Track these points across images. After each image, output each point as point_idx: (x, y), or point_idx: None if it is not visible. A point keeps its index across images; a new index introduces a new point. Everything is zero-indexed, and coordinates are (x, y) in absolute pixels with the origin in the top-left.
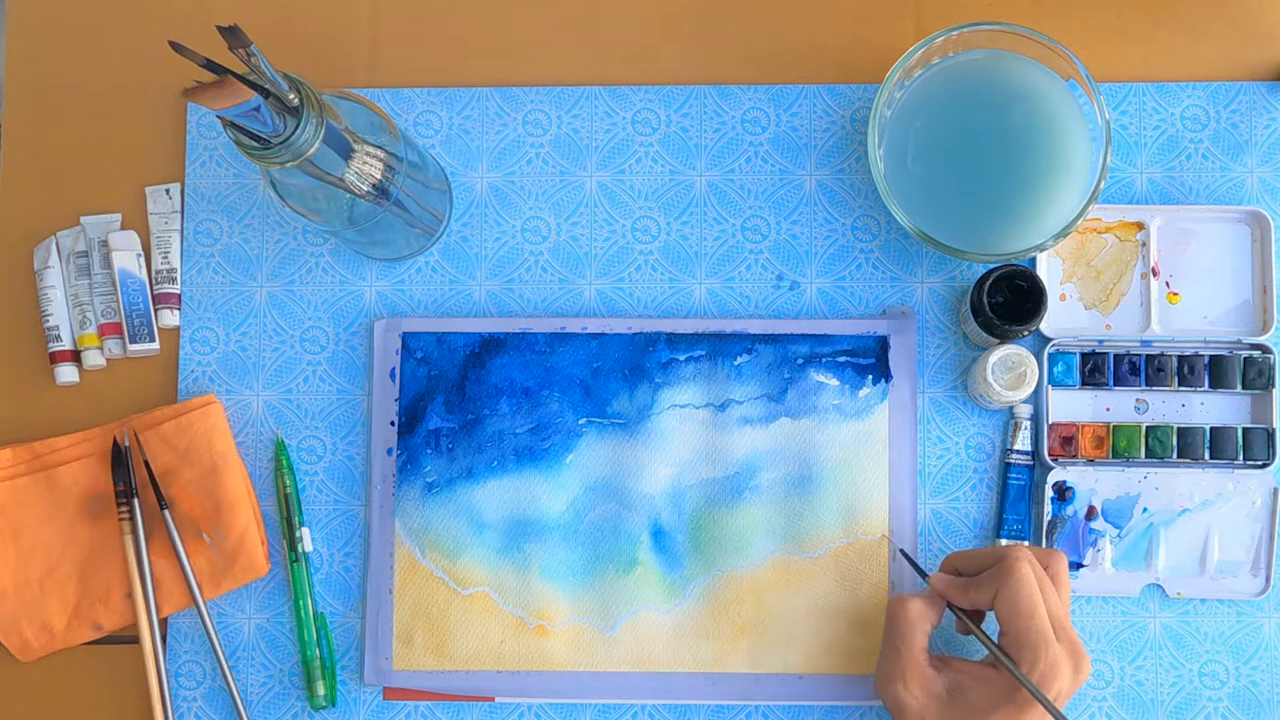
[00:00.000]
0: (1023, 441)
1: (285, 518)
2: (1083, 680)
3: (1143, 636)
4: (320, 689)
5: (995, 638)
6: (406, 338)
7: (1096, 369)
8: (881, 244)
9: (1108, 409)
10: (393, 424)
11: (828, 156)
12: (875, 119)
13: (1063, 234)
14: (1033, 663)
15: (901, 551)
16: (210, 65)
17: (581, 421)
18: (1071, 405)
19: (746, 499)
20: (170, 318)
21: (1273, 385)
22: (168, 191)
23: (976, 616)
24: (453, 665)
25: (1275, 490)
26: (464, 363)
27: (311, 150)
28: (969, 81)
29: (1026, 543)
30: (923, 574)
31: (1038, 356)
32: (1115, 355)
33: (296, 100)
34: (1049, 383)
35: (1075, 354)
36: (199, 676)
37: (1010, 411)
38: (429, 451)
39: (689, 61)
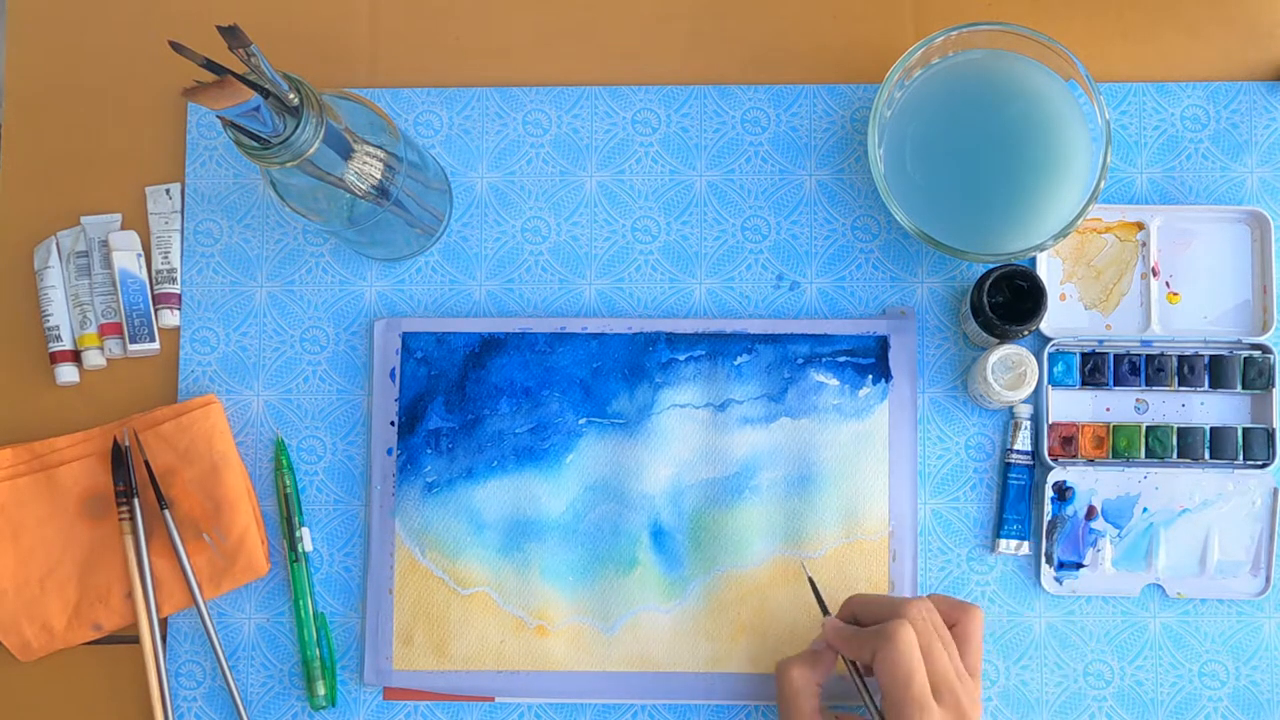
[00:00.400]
0: (1023, 441)
1: (285, 518)
2: None
3: (1143, 636)
4: (320, 689)
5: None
6: (406, 338)
7: (1096, 369)
8: (881, 244)
9: (1108, 409)
10: (393, 424)
11: (828, 156)
12: (875, 119)
13: (1063, 234)
14: None
15: (810, 580)
16: (210, 65)
17: (581, 421)
18: (1071, 405)
19: (746, 499)
20: (170, 318)
21: (1273, 385)
22: (168, 191)
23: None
24: (453, 665)
25: (1275, 490)
26: (464, 363)
27: (311, 150)
28: (969, 81)
29: (938, 595)
30: (825, 610)
31: (1038, 356)
32: (1115, 355)
33: (296, 100)
34: (1049, 383)
35: (1075, 354)
36: (199, 676)
37: (1010, 411)
38: (429, 451)
39: (689, 61)
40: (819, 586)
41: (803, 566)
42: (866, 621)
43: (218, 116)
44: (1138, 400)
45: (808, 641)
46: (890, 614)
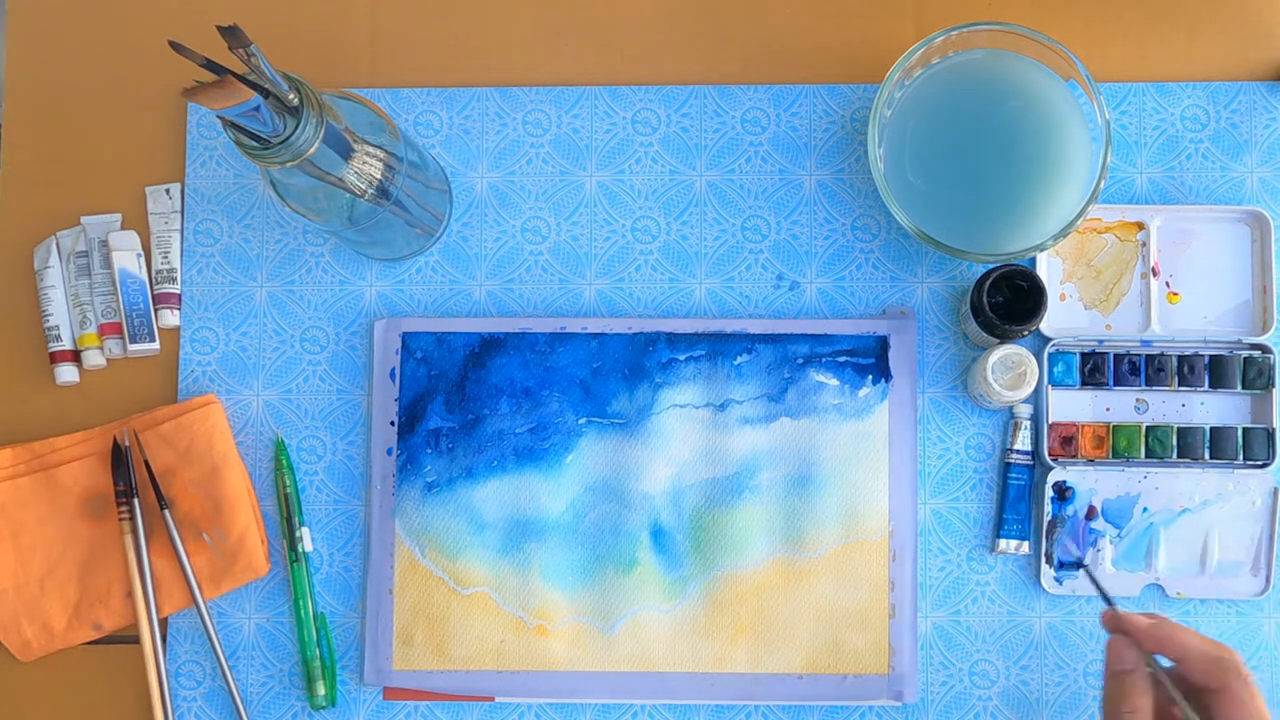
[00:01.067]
0: (1023, 441)
1: (285, 518)
2: None
3: None
4: (320, 689)
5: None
6: (406, 338)
7: (1096, 369)
8: (881, 244)
9: (1108, 409)
10: (393, 424)
11: (828, 156)
12: (875, 119)
13: (1063, 234)
14: None
15: (1087, 571)
16: (210, 65)
17: (581, 421)
18: (1071, 405)
19: (746, 499)
20: (170, 318)
21: (1273, 385)
22: (168, 191)
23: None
24: (453, 665)
25: (1275, 490)
26: (464, 363)
27: (311, 150)
28: (969, 81)
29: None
30: (1109, 600)
31: (1038, 356)
32: (1115, 355)
33: (296, 100)
34: (1049, 383)
35: (1075, 354)
36: (199, 676)
37: (1010, 411)
38: (429, 451)
39: (689, 61)
40: (1102, 586)
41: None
42: (1171, 653)
43: (218, 116)
44: (1138, 400)
45: (808, 641)
46: (1215, 656)
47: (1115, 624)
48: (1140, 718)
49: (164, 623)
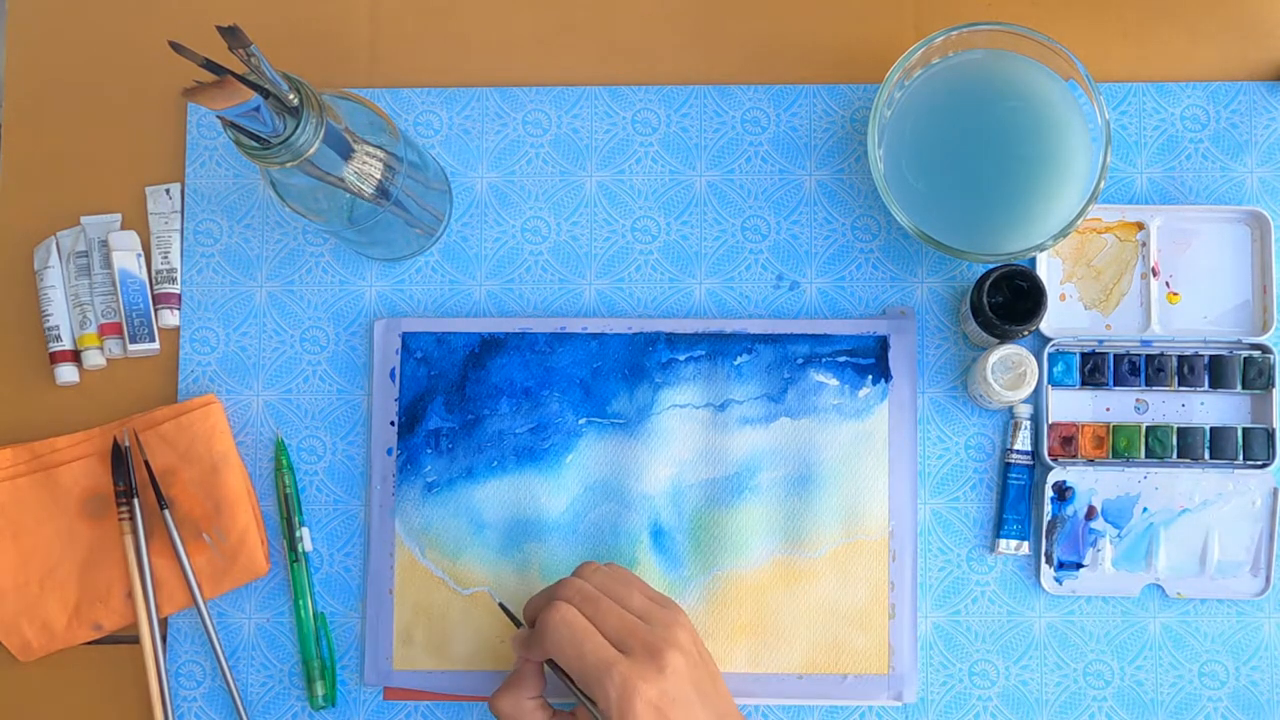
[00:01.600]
0: (1023, 441)
1: (285, 518)
2: (674, 671)
3: (1143, 637)
4: (320, 689)
5: None
6: (406, 338)
7: (1096, 369)
8: (881, 244)
9: (1108, 409)
10: (393, 424)
11: (828, 156)
12: (875, 119)
13: (1063, 234)
14: (605, 695)
15: (499, 603)
16: (210, 65)
17: (581, 421)
18: (1071, 405)
19: (746, 499)
20: (170, 318)
21: (1273, 385)
22: (168, 191)
23: None
24: (453, 665)
25: (1275, 490)
26: (464, 363)
27: (311, 150)
28: (969, 81)
29: (591, 562)
30: (517, 623)
31: (1038, 356)
32: (1115, 355)
33: (296, 100)
34: (1049, 383)
35: (1075, 354)
36: (199, 676)
37: (1010, 411)
38: (429, 451)
39: (689, 61)
40: (507, 606)
41: (491, 595)
42: (533, 619)
43: (218, 116)
44: (1138, 400)
45: (808, 641)
46: (546, 603)
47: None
48: (510, 713)
49: (164, 623)
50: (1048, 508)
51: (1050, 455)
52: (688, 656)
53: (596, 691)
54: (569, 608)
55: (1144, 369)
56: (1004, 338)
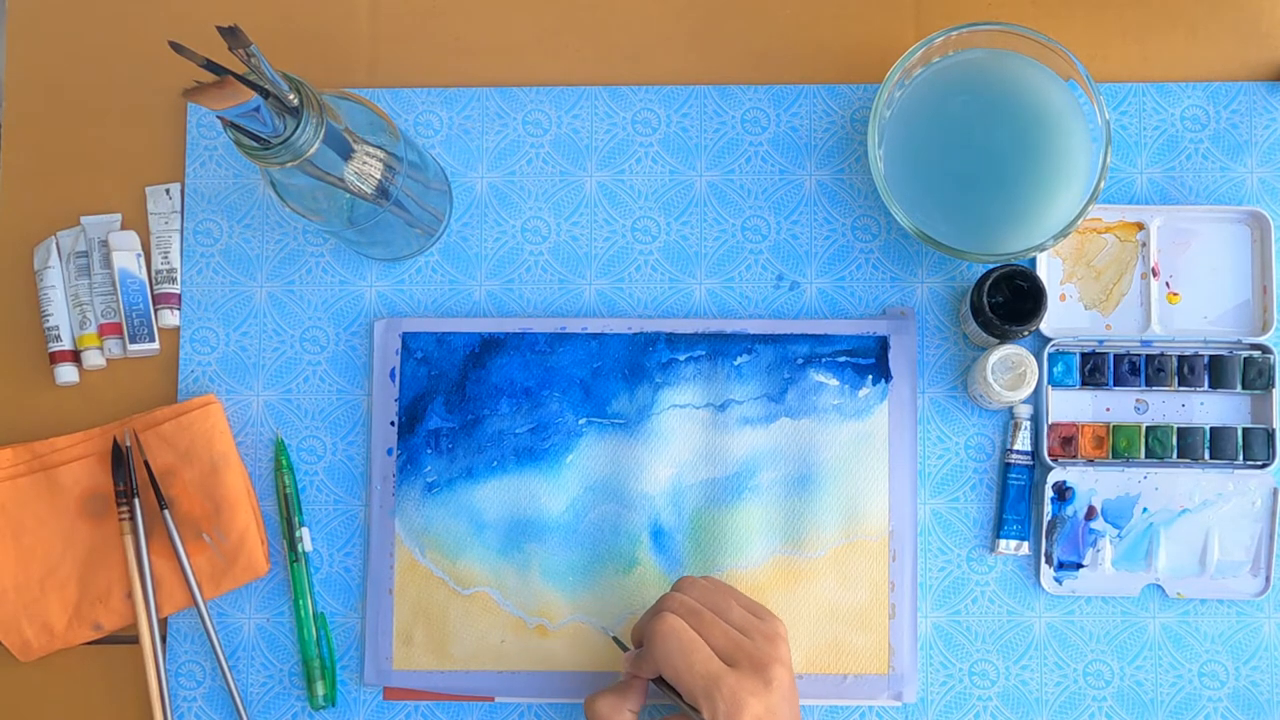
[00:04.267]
0: (1023, 441)
1: (285, 518)
2: (779, 686)
3: (1143, 636)
4: (320, 689)
5: None
6: (406, 338)
7: (1096, 369)
8: (881, 244)
9: (1108, 409)
10: (393, 424)
11: (828, 156)
12: (875, 119)
13: (1063, 234)
14: (713, 708)
15: (613, 637)
16: (210, 65)
17: (581, 421)
18: (1071, 405)
19: (746, 499)
20: (170, 318)
21: (1273, 385)
22: (168, 191)
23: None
24: (453, 665)
25: (1275, 490)
26: (464, 363)
27: (311, 150)
28: (969, 81)
29: (689, 576)
30: (624, 647)
31: (1038, 356)
32: (1115, 355)
33: (296, 100)
34: (1049, 383)
35: (1075, 354)
36: (199, 676)
37: (1010, 411)
38: (429, 451)
39: (689, 61)
40: (620, 638)
41: (604, 630)
42: (641, 637)
43: (218, 117)
44: (1138, 400)
45: (808, 641)
46: (652, 617)
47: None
48: (605, 712)
49: (164, 623)
50: (1048, 508)
51: (1050, 455)
52: (788, 670)
53: (704, 704)
54: (678, 620)
55: (1144, 369)
56: (1004, 338)
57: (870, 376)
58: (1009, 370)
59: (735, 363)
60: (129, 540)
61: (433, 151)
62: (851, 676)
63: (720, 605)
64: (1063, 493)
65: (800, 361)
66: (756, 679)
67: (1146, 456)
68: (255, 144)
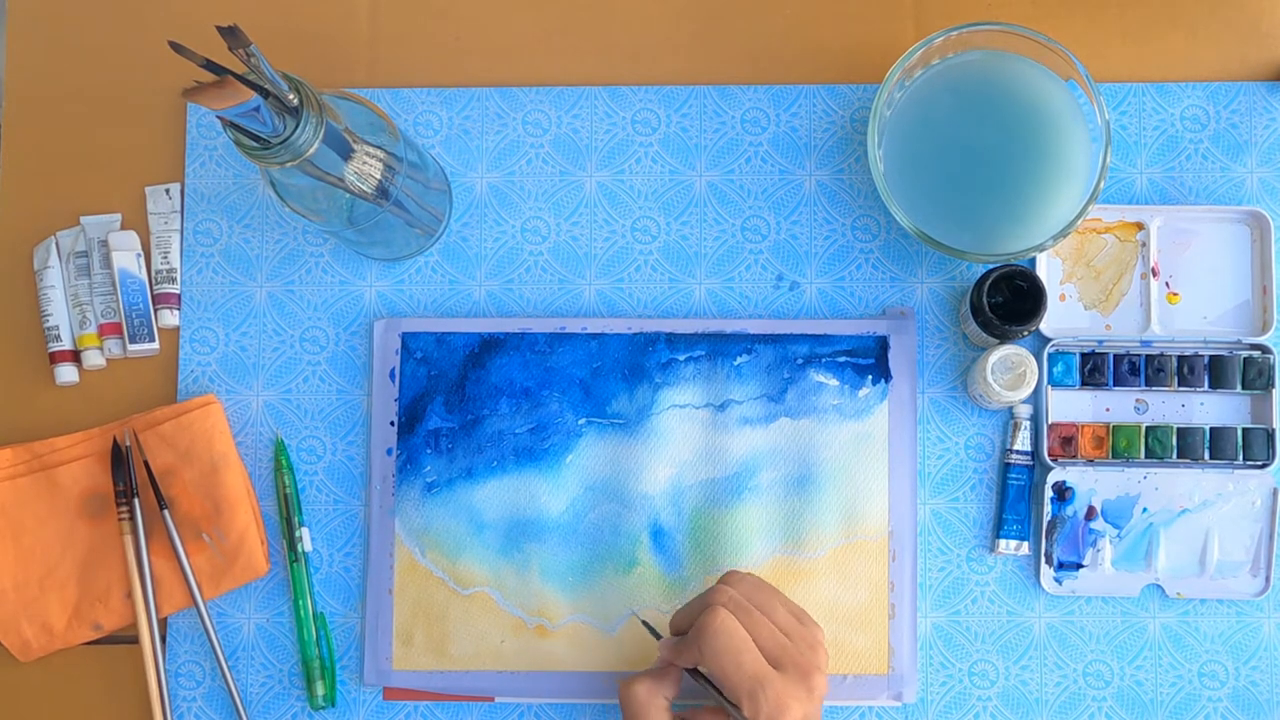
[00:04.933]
0: (1022, 441)
1: (285, 518)
2: (819, 695)
3: (1143, 636)
4: (320, 689)
5: None
6: (406, 338)
7: (1096, 369)
8: (881, 244)
9: (1107, 409)
10: (392, 424)
11: (828, 156)
12: (875, 119)
13: (1063, 234)
14: (755, 708)
15: (642, 621)
16: (210, 65)
17: (581, 421)
18: (1071, 405)
19: (746, 499)
20: (170, 318)
21: (1273, 385)
22: (168, 191)
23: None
24: (453, 665)
25: (1275, 490)
26: (464, 363)
27: (311, 150)
28: (969, 81)
29: (736, 570)
30: (657, 636)
31: (1038, 356)
32: (1115, 355)
33: (296, 100)
34: (1049, 383)
35: (1075, 354)
36: (199, 676)
37: (1010, 411)
38: (429, 451)
39: (689, 61)
40: (649, 622)
41: (634, 614)
42: (686, 628)
43: (218, 116)
44: (1137, 400)
45: None
46: (701, 609)
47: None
48: (643, 697)
49: (164, 623)
50: (1048, 508)
51: (1050, 455)
52: (825, 679)
53: (746, 703)
54: (730, 617)
55: (1144, 369)
56: (1004, 338)
57: (870, 376)
58: (1009, 370)
59: (735, 363)
60: (129, 540)
61: (433, 151)
62: (851, 676)
63: (767, 604)
64: (1063, 493)
65: (800, 361)
66: (800, 685)
67: (1146, 456)
68: (255, 144)
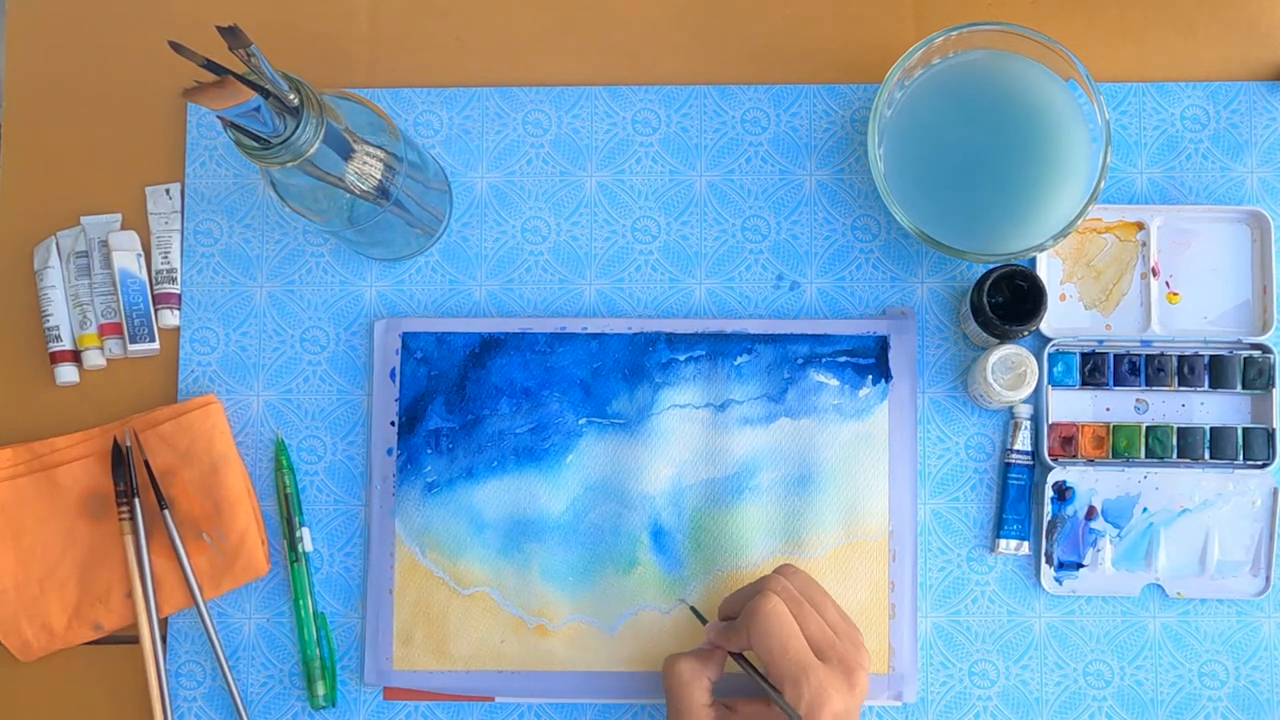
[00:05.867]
0: (1023, 441)
1: (285, 518)
2: (860, 693)
3: (1143, 636)
4: (320, 689)
5: None
6: (406, 338)
7: (1096, 369)
8: (881, 244)
9: (1108, 409)
10: (393, 424)
11: (828, 156)
12: (875, 119)
13: (1063, 234)
14: (797, 694)
15: (690, 606)
16: (210, 65)
17: (581, 421)
18: (1071, 405)
19: (746, 499)
20: (170, 318)
21: (1273, 385)
22: (168, 191)
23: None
24: (453, 665)
25: (1275, 490)
26: (464, 363)
27: (311, 150)
28: (969, 81)
29: (787, 562)
30: (704, 621)
31: (1038, 356)
32: (1115, 355)
33: (296, 100)
34: (1049, 383)
35: (1075, 354)
36: (199, 676)
37: (1010, 411)
38: (429, 451)
39: (689, 61)
40: (698, 609)
41: (683, 601)
42: (735, 614)
43: (218, 117)
44: (1138, 400)
45: None
46: (752, 595)
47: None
48: (688, 676)
49: (164, 623)
50: (1048, 508)
51: (1050, 455)
52: (867, 680)
53: (789, 689)
54: (781, 604)
55: (1144, 369)
56: (1004, 338)
57: (870, 376)
58: (1009, 370)
59: (735, 363)
60: (129, 540)
61: (433, 151)
62: None
63: (818, 601)
64: (1063, 493)
65: (800, 361)
66: (843, 679)
67: (1146, 456)
68: (255, 144)
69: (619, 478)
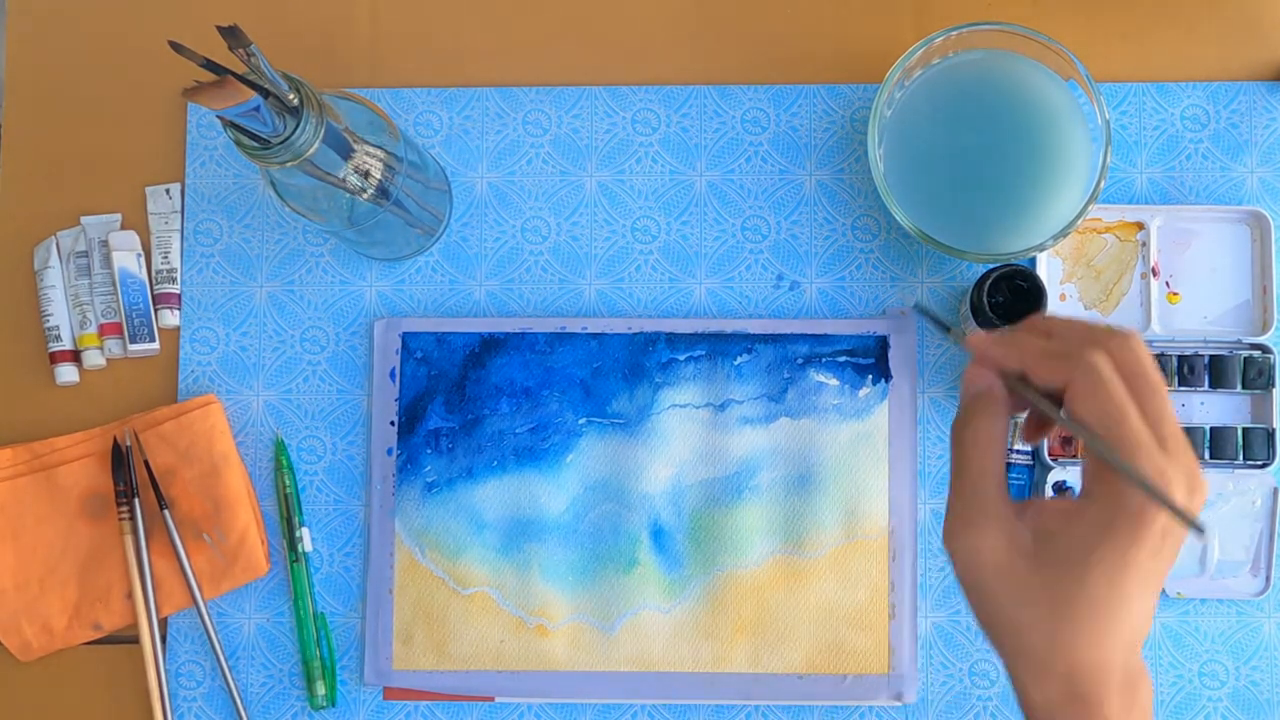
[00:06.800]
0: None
1: (285, 518)
2: (1197, 504)
3: None
4: (320, 689)
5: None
6: (406, 338)
7: None
8: (881, 244)
9: None
10: (393, 424)
11: (828, 156)
12: (875, 119)
13: (1063, 234)
14: (1132, 450)
15: (922, 309)
16: (210, 65)
17: (581, 421)
18: None
19: (746, 499)
20: (170, 318)
21: (1273, 385)
22: (168, 191)
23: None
24: (453, 665)
25: (1275, 490)
26: (464, 363)
27: (311, 150)
28: (969, 81)
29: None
30: (945, 328)
31: None
32: None
33: (296, 100)
34: None
35: None
36: (199, 676)
37: None
38: (429, 451)
39: (689, 61)
40: (931, 310)
41: (918, 304)
42: (1018, 361)
43: (218, 116)
44: None
45: (808, 641)
46: (1082, 340)
47: (977, 346)
48: (983, 441)
49: (164, 623)
50: None
51: (1050, 455)
52: (1205, 493)
53: (1145, 457)
54: (1110, 363)
55: None
56: None
57: (870, 376)
58: None
59: (735, 363)
60: (129, 540)
61: (433, 151)
62: (851, 677)
63: (1156, 383)
64: (1063, 493)
65: (800, 361)
66: (1182, 475)
67: None
68: (255, 144)
69: (619, 477)
